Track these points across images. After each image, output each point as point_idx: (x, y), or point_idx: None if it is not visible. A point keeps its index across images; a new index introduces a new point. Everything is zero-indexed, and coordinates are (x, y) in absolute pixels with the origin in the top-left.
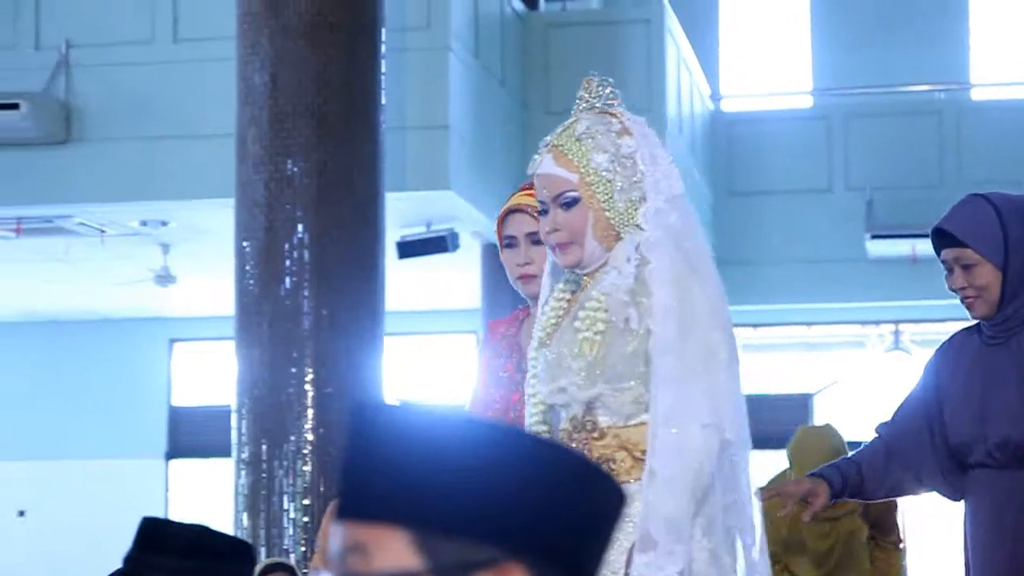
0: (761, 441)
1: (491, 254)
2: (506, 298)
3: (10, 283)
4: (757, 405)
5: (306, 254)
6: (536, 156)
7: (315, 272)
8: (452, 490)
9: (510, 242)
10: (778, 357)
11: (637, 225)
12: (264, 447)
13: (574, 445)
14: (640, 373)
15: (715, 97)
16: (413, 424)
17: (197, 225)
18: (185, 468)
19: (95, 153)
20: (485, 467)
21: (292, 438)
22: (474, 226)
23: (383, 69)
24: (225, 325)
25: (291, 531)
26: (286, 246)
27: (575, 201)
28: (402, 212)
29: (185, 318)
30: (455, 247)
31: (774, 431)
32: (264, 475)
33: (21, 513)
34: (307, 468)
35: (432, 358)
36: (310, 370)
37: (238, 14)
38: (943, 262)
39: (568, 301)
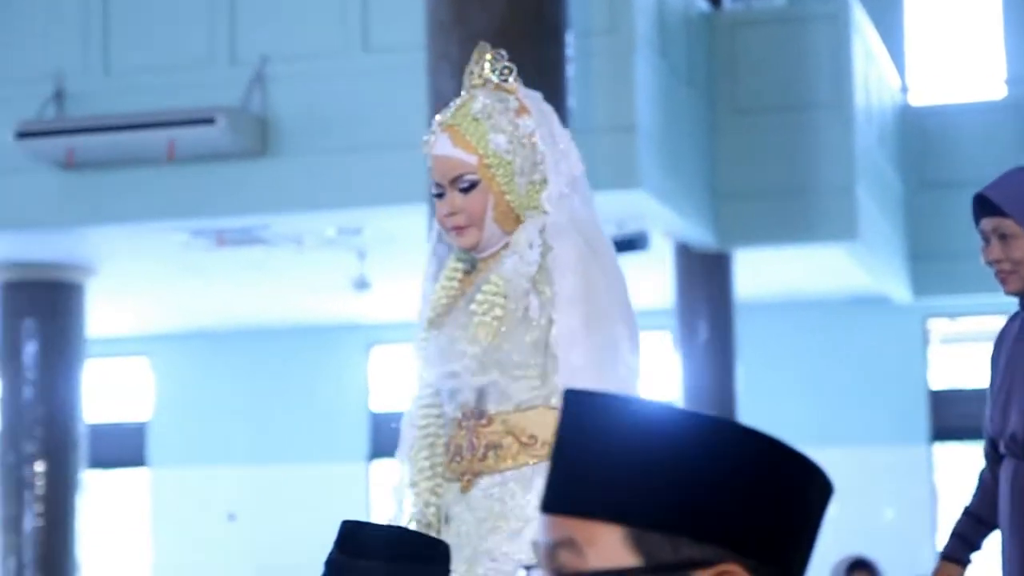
0: (960, 433)
1: (683, 253)
2: (699, 296)
3: (213, 293)
4: (955, 399)
5: None
6: (428, 135)
7: None
8: (668, 485)
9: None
10: (974, 349)
11: (537, 208)
12: None
13: (463, 432)
14: (538, 363)
15: (904, 89)
16: (627, 415)
17: (391, 231)
18: (386, 469)
19: (291, 164)
20: (702, 461)
21: None
22: (665, 225)
23: (570, 73)
24: None
25: None
26: None
27: (474, 184)
28: None
29: (382, 323)
30: (647, 246)
31: (973, 424)
32: None
33: (231, 517)
34: None
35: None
36: None
37: (427, 23)
38: (980, 232)
39: (460, 281)
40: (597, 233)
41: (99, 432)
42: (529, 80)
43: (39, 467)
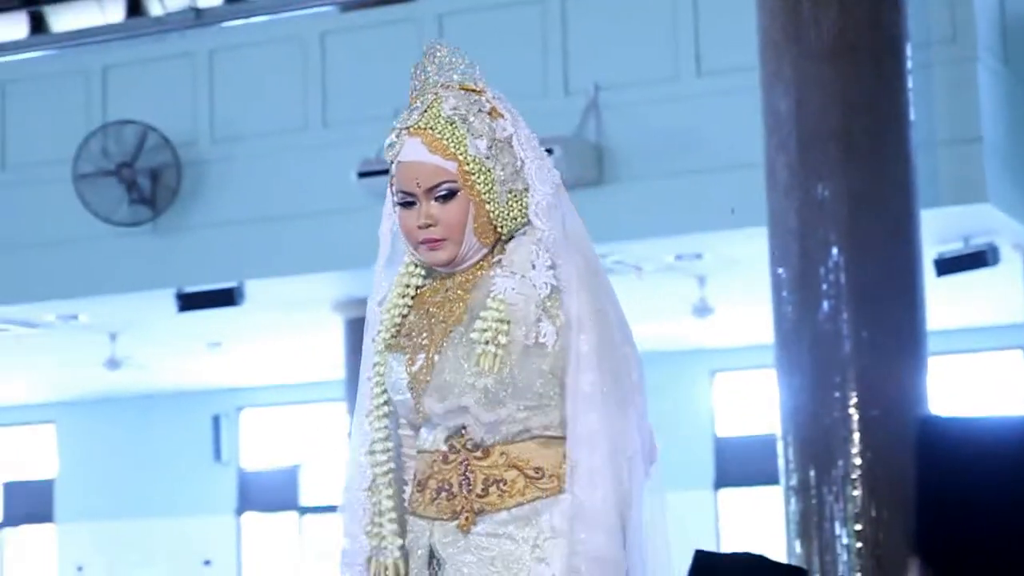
0: None
1: None
2: None
3: None
4: None
5: (842, 277)
6: (392, 140)
7: (852, 295)
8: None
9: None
10: None
11: (517, 219)
12: (812, 473)
13: (451, 466)
14: (557, 394)
15: None
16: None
17: (731, 255)
18: (733, 497)
19: (628, 192)
20: None
21: (840, 463)
22: (1014, 238)
23: (910, 85)
24: (764, 354)
25: (845, 557)
26: (821, 270)
27: (453, 193)
28: (938, 228)
29: (724, 348)
30: (996, 261)
31: None
32: (814, 501)
33: None
34: (856, 493)
35: (977, 376)
36: (854, 394)
37: (759, 43)
38: None
39: (413, 298)
40: (591, 248)
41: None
42: (868, 93)
43: None
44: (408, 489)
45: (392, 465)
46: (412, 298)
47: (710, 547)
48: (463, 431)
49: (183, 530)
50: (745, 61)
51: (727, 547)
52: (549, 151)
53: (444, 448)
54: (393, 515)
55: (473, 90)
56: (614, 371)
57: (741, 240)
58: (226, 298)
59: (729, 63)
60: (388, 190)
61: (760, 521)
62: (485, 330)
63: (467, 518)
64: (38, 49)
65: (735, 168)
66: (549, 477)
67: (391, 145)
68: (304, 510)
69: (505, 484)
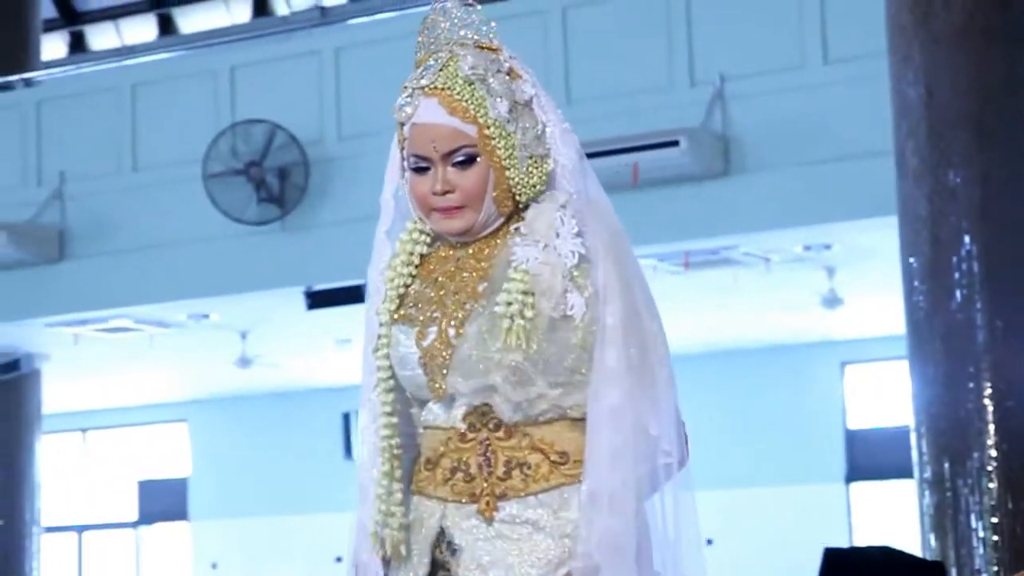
0: None
1: None
2: None
3: (682, 317)
4: None
5: (975, 265)
6: (404, 100)
7: (986, 283)
8: None
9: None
10: None
11: (537, 187)
12: (946, 466)
13: (469, 445)
14: (590, 370)
15: None
16: None
17: (861, 245)
18: (865, 491)
19: (755, 182)
20: None
21: (975, 455)
22: None
23: None
24: (896, 344)
25: (981, 550)
26: (953, 259)
27: (472, 159)
28: None
29: (855, 340)
30: None
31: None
32: (948, 494)
33: (709, 542)
34: (992, 485)
35: None
36: (988, 384)
37: (887, 28)
38: None
39: (418, 266)
40: (615, 218)
41: None
42: (1001, 77)
43: None
44: (412, 466)
45: (398, 440)
46: (416, 267)
47: (842, 543)
48: (485, 408)
49: (315, 527)
50: (873, 47)
51: (859, 542)
52: (675, 143)
53: (462, 426)
54: (399, 490)
55: (490, 48)
56: (641, 346)
57: (871, 229)
58: (355, 295)
59: (857, 50)
60: (395, 153)
61: (893, 515)
62: (510, 303)
63: (488, 502)
64: (167, 51)
65: (864, 156)
66: (574, 463)
67: (403, 105)
68: None
69: (529, 468)
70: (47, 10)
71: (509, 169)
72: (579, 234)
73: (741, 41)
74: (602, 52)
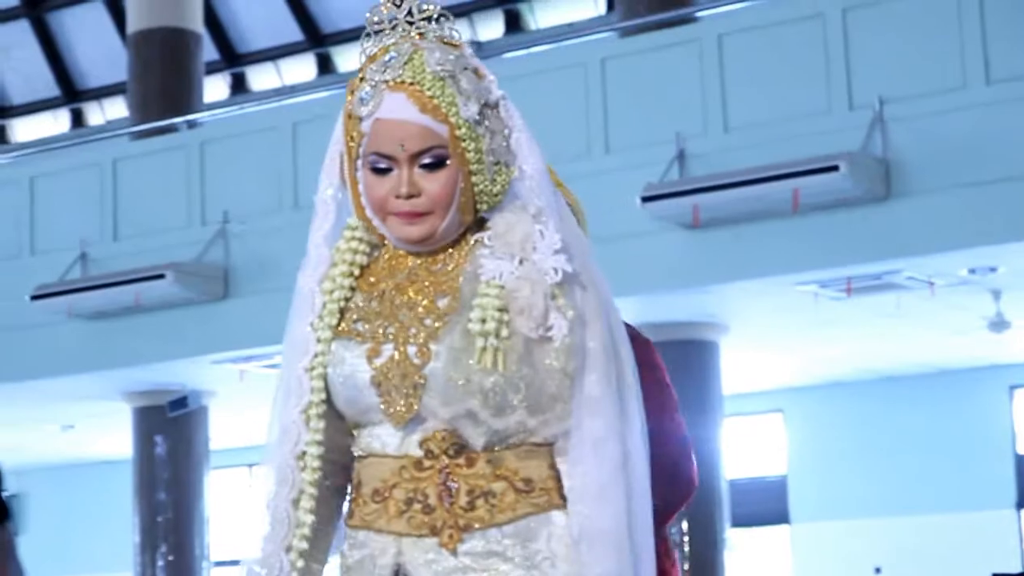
0: None
1: None
2: None
3: (845, 344)
4: None
5: None
6: (366, 93)
7: None
8: None
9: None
10: None
11: (497, 196)
12: None
13: (427, 474)
14: (569, 396)
15: None
16: None
17: None
18: None
19: (917, 205)
20: None
21: None
22: None
23: None
24: None
25: None
26: None
27: (442, 161)
28: None
29: (1023, 364)
30: None
31: None
32: None
33: (877, 570)
34: None
35: None
36: None
37: None
38: None
39: (358, 277)
40: (580, 232)
41: (739, 489)
42: None
43: (684, 526)
44: (345, 499)
45: (321, 474)
46: (356, 277)
47: (1012, 570)
48: (444, 434)
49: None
50: None
51: None
52: (835, 168)
53: (418, 453)
54: (308, 532)
55: (452, 44)
56: (620, 373)
57: None
58: None
59: (1020, 69)
60: (334, 149)
61: None
62: (484, 320)
63: (451, 535)
64: (326, 89)
65: None
66: (540, 491)
67: (364, 99)
68: None
69: (494, 497)
70: (209, 53)
71: (476, 175)
72: (561, 250)
73: (900, 63)
74: (759, 78)
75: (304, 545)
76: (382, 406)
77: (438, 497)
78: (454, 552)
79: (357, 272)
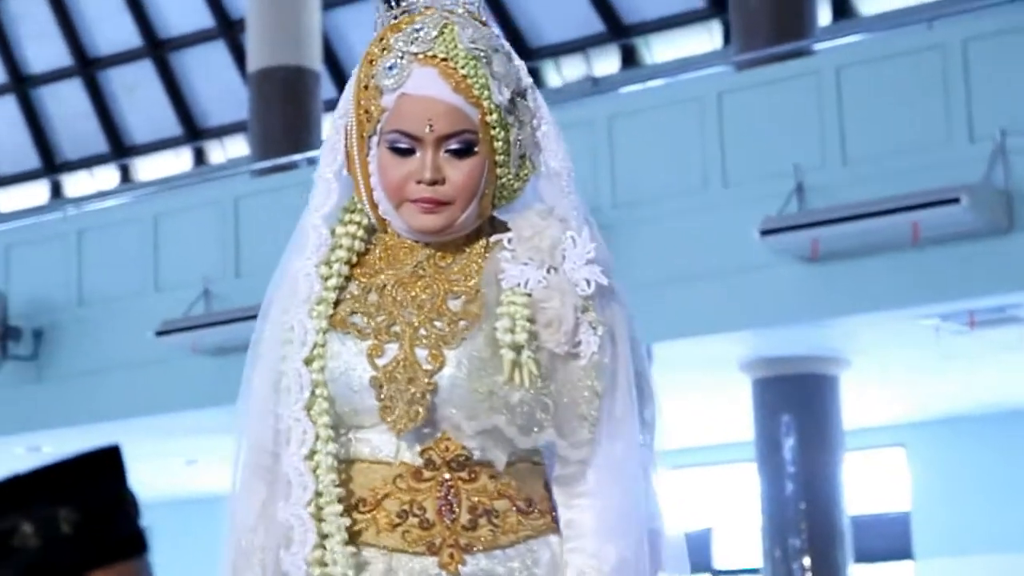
0: None
1: None
2: None
3: (967, 377)
4: None
5: None
6: (391, 63)
7: None
8: None
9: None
10: None
11: (516, 192)
12: None
13: (426, 486)
14: (597, 418)
15: None
16: None
17: None
18: None
19: None
20: None
21: None
22: None
23: None
24: None
25: None
26: None
27: (471, 147)
28: None
29: None
30: None
31: None
32: None
33: None
34: None
35: None
36: None
37: None
38: None
39: (352, 265)
40: (602, 240)
41: (861, 525)
42: None
43: (805, 562)
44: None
45: (336, 476)
46: (353, 266)
47: None
48: (448, 444)
49: None
50: None
51: None
52: (956, 200)
53: (417, 462)
54: (345, 537)
55: (482, 21)
56: (640, 396)
57: None
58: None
59: None
60: (340, 123)
61: None
62: (512, 330)
63: (452, 555)
64: None
65: None
66: (539, 512)
67: (391, 69)
68: (717, 573)
69: (497, 517)
70: (327, 90)
71: (501, 167)
72: (595, 260)
73: (1022, 94)
74: (878, 110)
75: (348, 550)
76: (381, 411)
77: (437, 512)
78: (456, 574)
79: (354, 259)
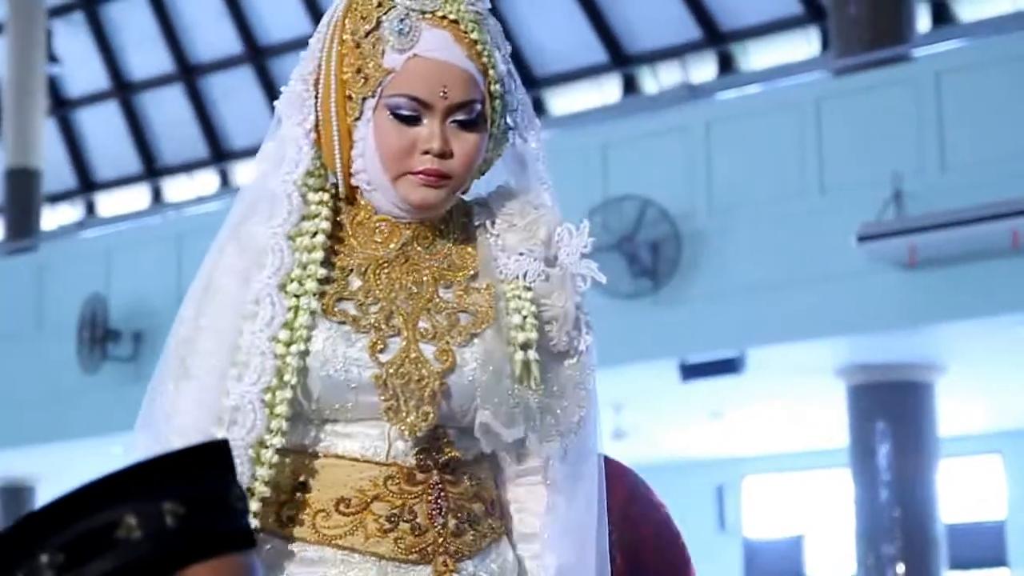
0: None
1: None
2: None
3: None
4: None
5: None
6: (401, 20)
7: None
8: None
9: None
10: None
11: (485, 168)
12: None
13: (417, 489)
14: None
15: None
16: None
17: None
18: None
19: None
20: None
21: None
22: None
23: None
24: None
25: None
26: None
27: (478, 119)
28: None
29: None
30: None
31: None
32: None
33: None
34: None
35: None
36: None
37: None
38: None
39: (327, 239)
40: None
41: (957, 532)
42: None
43: (899, 569)
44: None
45: (274, 472)
46: (330, 239)
47: None
48: (443, 443)
49: None
50: None
51: None
52: None
53: (410, 463)
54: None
55: None
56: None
57: None
58: (728, 367)
59: None
60: (310, 77)
61: None
62: (523, 327)
63: (446, 563)
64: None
65: None
66: (500, 514)
67: (401, 29)
68: None
69: (477, 521)
70: None
71: (491, 139)
72: (589, 255)
73: None
74: (977, 116)
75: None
76: (386, 411)
77: (428, 517)
78: None
79: (324, 235)
